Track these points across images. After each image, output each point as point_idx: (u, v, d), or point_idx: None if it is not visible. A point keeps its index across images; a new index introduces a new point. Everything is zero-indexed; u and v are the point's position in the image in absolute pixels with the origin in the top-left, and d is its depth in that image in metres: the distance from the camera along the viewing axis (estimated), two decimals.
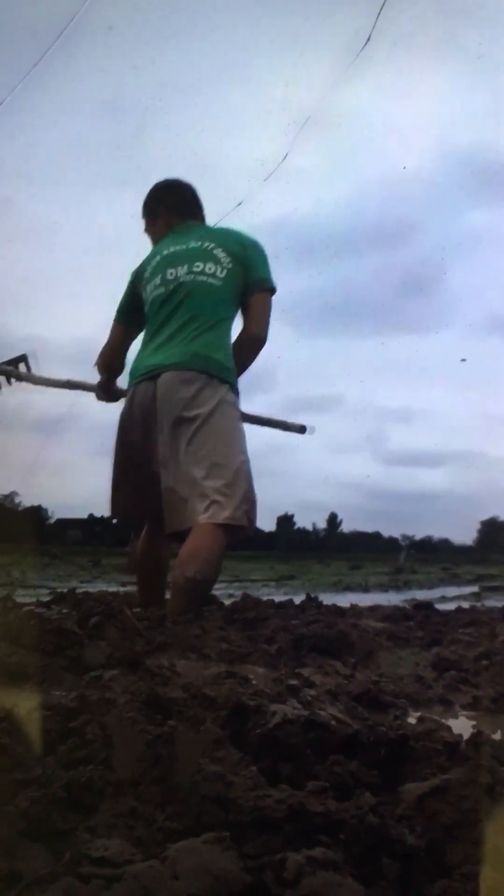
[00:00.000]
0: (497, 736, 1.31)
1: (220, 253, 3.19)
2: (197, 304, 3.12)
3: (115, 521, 3.45)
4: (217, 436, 2.95)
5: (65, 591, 3.26)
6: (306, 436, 3.59)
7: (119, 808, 0.82)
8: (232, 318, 3.20)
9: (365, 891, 0.66)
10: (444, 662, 2.11)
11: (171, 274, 3.20)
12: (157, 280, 3.24)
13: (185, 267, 3.18)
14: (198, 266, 3.17)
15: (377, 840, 0.75)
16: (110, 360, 3.47)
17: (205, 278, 3.15)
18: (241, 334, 3.19)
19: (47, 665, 1.75)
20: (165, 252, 3.29)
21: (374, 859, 0.74)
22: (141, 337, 3.35)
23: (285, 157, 3.65)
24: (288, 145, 3.58)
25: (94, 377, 3.59)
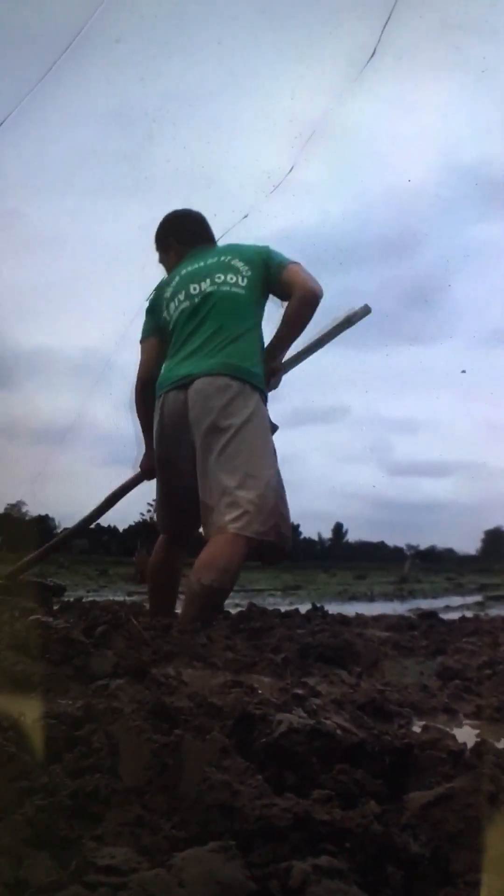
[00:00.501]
0: (501, 744, 1.30)
1: (237, 263, 3.24)
2: (224, 313, 3.15)
3: (163, 533, 3.41)
4: (250, 447, 2.96)
5: (71, 600, 3.26)
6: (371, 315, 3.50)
7: (125, 816, 0.82)
8: (260, 325, 3.23)
9: None
10: (448, 671, 2.11)
11: (195, 288, 3.22)
12: (181, 296, 3.26)
13: (208, 280, 3.22)
14: (219, 277, 3.21)
15: (382, 848, 0.75)
16: (147, 375, 3.40)
17: (228, 288, 3.18)
18: (291, 301, 3.18)
19: (54, 674, 1.75)
20: (184, 272, 3.33)
21: (379, 867, 0.73)
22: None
23: (291, 170, 3.67)
24: (294, 158, 3.60)
25: (96, 390, 3.63)
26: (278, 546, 2.98)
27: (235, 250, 3.32)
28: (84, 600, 3.34)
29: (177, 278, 3.33)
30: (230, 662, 2.14)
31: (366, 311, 3.48)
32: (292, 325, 3.20)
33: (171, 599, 3.43)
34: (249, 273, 3.21)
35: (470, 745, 1.09)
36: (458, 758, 1.03)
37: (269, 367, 3.21)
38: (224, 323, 3.13)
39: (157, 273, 3.58)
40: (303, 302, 3.15)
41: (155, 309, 3.40)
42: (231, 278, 3.20)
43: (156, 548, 3.39)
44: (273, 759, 0.98)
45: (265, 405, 3.12)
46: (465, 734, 1.51)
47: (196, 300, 3.20)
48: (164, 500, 3.31)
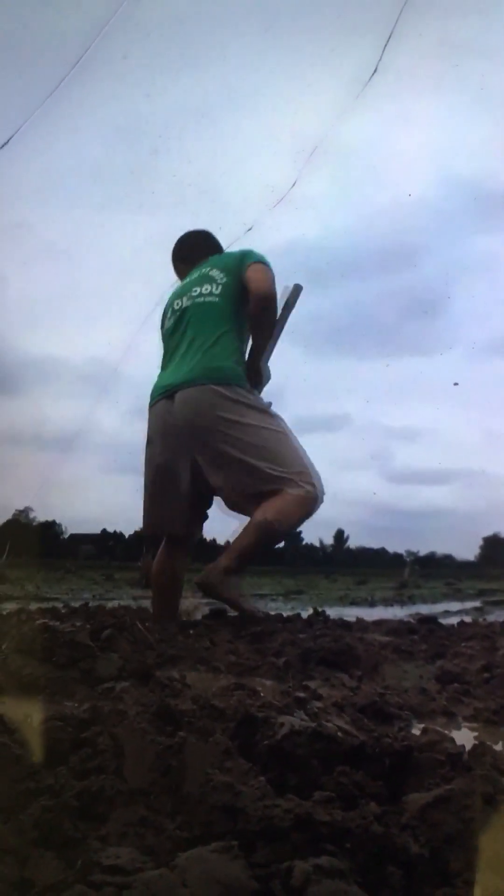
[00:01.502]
0: (498, 747, 1.30)
1: (215, 273, 3.38)
2: (199, 323, 3.30)
3: (147, 535, 3.52)
4: (260, 430, 3.10)
5: (78, 604, 3.26)
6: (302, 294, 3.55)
7: (130, 817, 0.82)
8: (237, 327, 3.32)
9: None
10: (447, 675, 2.10)
11: (178, 304, 3.42)
12: (170, 312, 3.46)
13: (187, 296, 3.39)
14: (196, 290, 3.37)
15: (382, 849, 0.75)
16: None
17: (202, 299, 3.33)
18: (251, 301, 3.26)
19: (60, 677, 1.75)
20: (176, 290, 3.53)
21: (379, 867, 0.73)
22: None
23: (294, 185, 3.68)
24: (297, 173, 3.62)
25: (102, 398, 3.73)
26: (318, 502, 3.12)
27: (218, 260, 3.47)
28: (90, 604, 3.34)
29: (170, 297, 3.54)
30: (233, 666, 2.14)
31: (297, 289, 3.54)
32: (253, 327, 3.32)
33: (174, 605, 3.44)
34: (224, 279, 3.34)
35: (468, 747, 1.08)
36: (456, 760, 1.03)
37: (251, 372, 3.31)
38: (199, 331, 3.28)
39: (163, 284, 3.66)
40: (254, 302, 3.25)
41: (162, 331, 3.57)
42: (206, 289, 3.35)
43: (158, 553, 3.42)
44: (275, 760, 0.98)
45: (250, 389, 3.24)
46: (464, 737, 1.50)
47: (177, 315, 3.39)
48: (155, 501, 3.38)
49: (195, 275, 3.45)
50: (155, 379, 3.42)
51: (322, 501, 3.12)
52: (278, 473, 3.02)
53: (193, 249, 3.67)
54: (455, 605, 7.38)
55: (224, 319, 3.29)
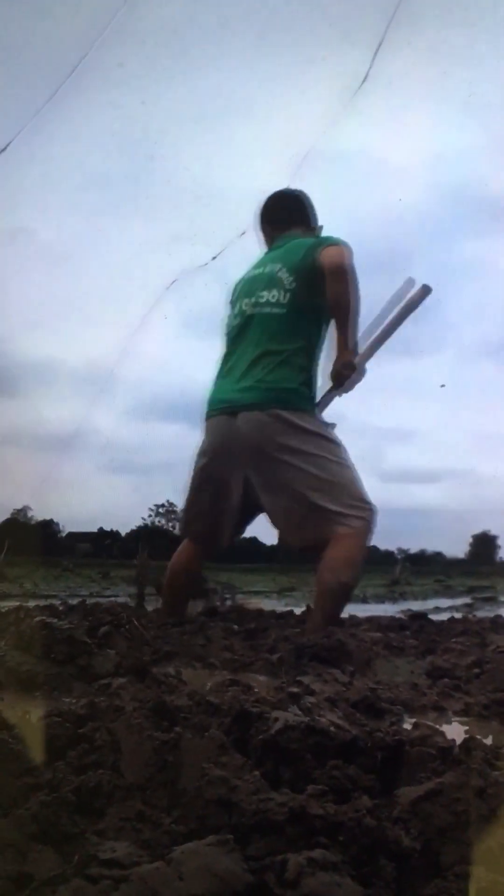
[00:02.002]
0: (488, 741, 1.30)
1: (283, 274, 3.11)
2: (265, 336, 3.06)
3: (182, 537, 3.35)
4: (321, 460, 2.95)
5: (75, 602, 3.25)
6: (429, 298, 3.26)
7: (127, 811, 0.82)
8: (311, 341, 3.11)
9: (363, 891, 0.66)
10: (437, 671, 2.10)
11: (245, 304, 3.17)
12: (236, 309, 3.23)
13: (253, 298, 3.14)
14: (262, 296, 3.11)
15: (374, 841, 0.75)
16: None
17: (269, 309, 3.09)
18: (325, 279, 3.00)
19: (58, 673, 1.75)
20: (248, 276, 3.29)
21: (372, 860, 0.73)
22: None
23: None
24: (289, 178, 3.60)
25: (99, 400, 3.64)
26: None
27: (287, 255, 3.16)
28: (87, 602, 3.33)
29: (242, 282, 3.30)
30: (228, 662, 2.14)
31: (425, 290, 3.26)
32: (333, 307, 3.02)
33: (185, 604, 3.42)
34: (293, 285, 3.07)
35: (459, 741, 1.08)
36: (447, 754, 1.03)
37: (340, 362, 3.09)
38: (265, 347, 3.05)
39: (159, 288, 3.58)
40: (330, 279, 2.97)
41: (230, 305, 3.35)
42: (273, 296, 3.09)
43: (178, 551, 3.32)
44: (269, 755, 0.98)
45: (315, 415, 3.07)
46: (454, 731, 1.51)
47: (241, 319, 3.16)
48: (200, 510, 3.24)
49: (262, 270, 3.20)
50: (212, 385, 3.24)
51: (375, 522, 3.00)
52: (331, 506, 2.89)
53: (282, 214, 3.38)
54: (445, 602, 7.38)
55: (292, 334, 3.07)
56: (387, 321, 3.29)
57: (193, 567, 3.36)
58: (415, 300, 3.29)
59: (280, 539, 3.13)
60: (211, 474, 3.17)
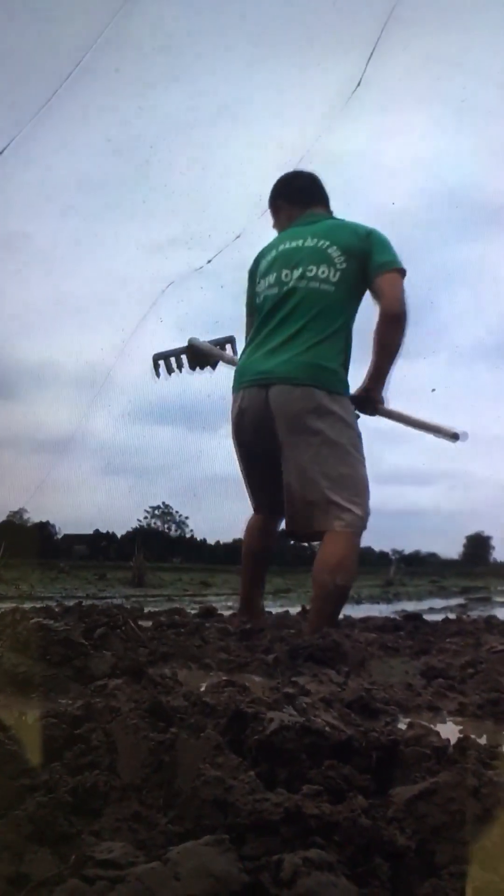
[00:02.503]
0: (482, 740, 1.30)
1: (334, 252, 3.01)
2: (310, 312, 2.97)
3: (257, 513, 3.25)
4: (341, 449, 2.92)
5: (71, 603, 3.24)
6: (459, 443, 3.10)
7: (123, 811, 0.81)
8: (349, 323, 3.04)
9: (358, 890, 0.65)
10: (432, 671, 2.10)
11: (286, 275, 3.05)
12: (272, 278, 3.10)
13: (300, 270, 3.02)
14: (311, 270, 3.00)
15: (369, 841, 0.75)
16: None
17: (317, 284, 2.99)
18: (378, 316, 2.96)
19: (54, 675, 1.74)
20: (282, 247, 3.14)
21: (367, 860, 0.73)
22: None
23: None
24: None
25: (96, 402, 3.62)
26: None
27: (336, 234, 3.06)
28: (83, 603, 3.32)
29: (273, 252, 3.16)
30: (223, 663, 2.13)
31: (453, 437, 3.08)
32: (378, 346, 2.99)
33: (262, 574, 3.38)
34: (344, 265, 2.98)
35: (453, 741, 1.09)
36: (441, 753, 1.03)
37: (366, 394, 3.06)
38: (309, 323, 2.95)
39: (155, 291, 3.57)
40: (383, 320, 2.94)
41: (251, 278, 3.26)
42: (322, 272, 2.99)
43: (251, 526, 3.27)
44: (265, 755, 0.98)
45: (347, 399, 3.00)
46: (449, 731, 1.51)
47: (284, 290, 3.03)
48: (255, 483, 3.21)
49: (309, 242, 3.06)
50: (244, 355, 3.17)
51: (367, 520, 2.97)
52: (334, 497, 2.85)
53: (302, 192, 3.30)
54: (439, 603, 7.40)
55: (338, 314, 2.97)
56: (415, 419, 3.16)
57: (270, 534, 3.28)
58: (441, 432, 3.13)
59: (286, 524, 3.09)
60: (251, 450, 3.12)
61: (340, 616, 3.16)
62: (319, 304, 2.96)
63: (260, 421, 2.99)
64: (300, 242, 3.09)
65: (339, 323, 2.98)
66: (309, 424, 2.89)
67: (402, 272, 2.99)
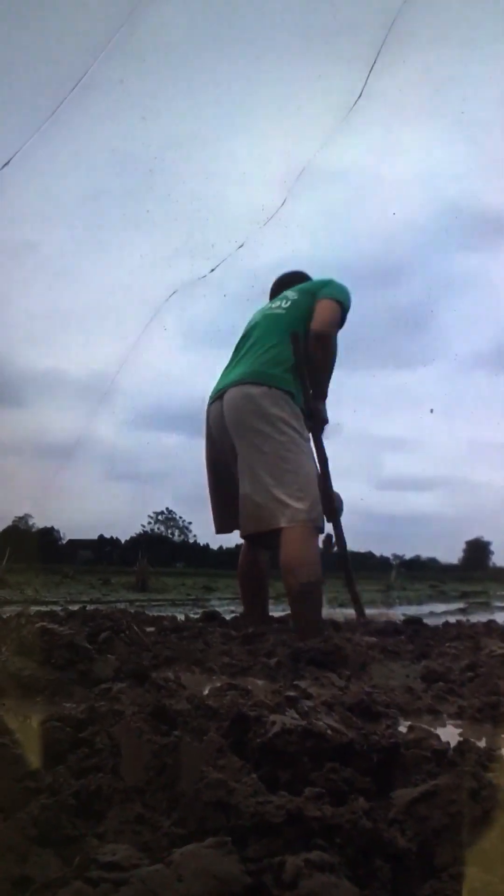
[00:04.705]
0: (482, 743, 1.30)
1: (289, 293, 3.39)
2: (262, 332, 3.28)
3: (217, 533, 3.42)
4: (283, 447, 2.99)
5: (76, 608, 3.24)
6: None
7: (126, 814, 0.81)
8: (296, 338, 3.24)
9: (359, 892, 0.65)
10: (432, 674, 2.10)
11: (252, 319, 3.46)
12: (248, 324, 3.48)
13: (261, 313, 3.42)
14: (269, 307, 3.40)
15: (370, 843, 0.74)
16: None
17: (270, 311, 3.34)
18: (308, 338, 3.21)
19: (59, 678, 1.74)
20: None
21: (368, 861, 0.73)
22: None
23: (283, 203, 3.69)
24: (286, 193, 3.62)
25: (100, 409, 3.68)
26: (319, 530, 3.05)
27: (297, 286, 3.46)
28: (87, 608, 3.32)
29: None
30: (226, 667, 2.13)
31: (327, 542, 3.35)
32: (312, 360, 3.21)
33: (263, 598, 3.43)
34: (295, 297, 3.33)
35: (453, 744, 1.08)
36: (441, 756, 1.02)
37: (309, 409, 3.23)
38: (259, 339, 3.25)
39: (159, 300, 3.61)
40: (310, 338, 3.18)
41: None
42: (277, 304, 3.35)
43: (241, 553, 3.37)
44: (267, 758, 0.97)
45: (291, 401, 3.11)
46: (449, 734, 1.50)
47: (248, 327, 3.42)
48: (218, 502, 3.35)
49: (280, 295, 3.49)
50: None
51: (323, 527, 3.03)
52: (277, 493, 2.91)
53: (282, 287, 3.63)
54: (440, 607, 7.38)
55: (285, 330, 3.23)
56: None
57: (259, 562, 3.36)
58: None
59: (241, 529, 3.12)
60: (214, 464, 3.30)
61: (342, 620, 3.16)
62: (271, 325, 3.29)
63: (221, 434, 3.20)
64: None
65: (285, 336, 3.22)
66: (252, 425, 3.03)
67: (340, 304, 3.25)
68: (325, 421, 3.33)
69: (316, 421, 3.27)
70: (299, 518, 2.88)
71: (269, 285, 3.77)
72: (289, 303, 3.30)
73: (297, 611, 2.89)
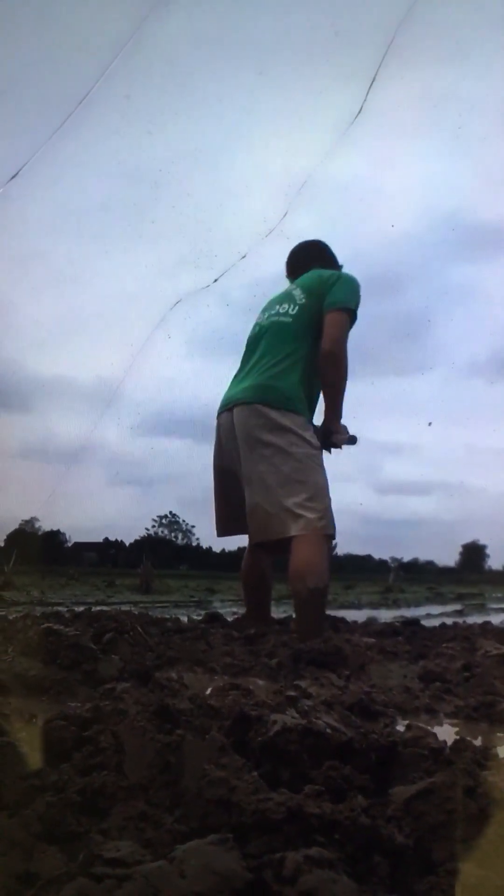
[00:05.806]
0: (478, 742, 1.29)
1: (297, 292, 3.26)
2: (270, 341, 3.20)
3: (219, 536, 3.38)
4: (295, 458, 2.96)
5: (81, 609, 3.24)
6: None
7: (130, 811, 0.81)
8: (306, 351, 3.15)
9: (358, 887, 0.65)
10: (429, 674, 2.09)
11: (261, 317, 3.35)
12: (255, 328, 3.37)
13: (268, 313, 3.31)
14: (275, 308, 3.28)
15: (369, 839, 0.74)
16: None
17: (277, 318, 3.23)
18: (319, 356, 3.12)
19: (64, 678, 1.74)
20: (269, 299, 3.45)
21: (367, 857, 0.72)
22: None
23: (285, 215, 3.69)
24: (287, 206, 3.62)
25: (106, 414, 3.64)
26: (332, 539, 3.02)
27: (306, 279, 3.31)
28: (92, 609, 3.32)
29: (265, 304, 3.45)
30: (228, 667, 2.12)
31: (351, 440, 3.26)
32: (324, 384, 3.14)
33: (266, 603, 3.41)
34: (303, 300, 3.20)
35: (450, 742, 1.08)
36: (438, 754, 1.02)
37: (325, 428, 3.19)
38: (267, 350, 3.18)
39: (163, 308, 3.61)
40: (321, 357, 3.09)
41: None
42: (283, 308, 3.23)
43: (245, 556, 3.34)
44: (268, 756, 0.97)
45: (301, 415, 3.07)
46: (446, 732, 1.50)
47: (255, 330, 3.32)
48: (221, 505, 3.33)
49: (282, 292, 3.38)
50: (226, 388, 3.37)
51: (335, 534, 2.99)
52: (287, 502, 2.88)
53: (297, 263, 3.55)
54: (437, 609, 7.36)
55: (293, 342, 3.14)
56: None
57: (263, 565, 3.33)
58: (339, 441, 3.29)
59: (250, 537, 3.10)
60: (222, 471, 3.25)
61: (342, 620, 3.15)
62: (277, 334, 3.19)
63: (230, 443, 3.15)
64: (282, 292, 3.39)
65: (293, 348, 3.14)
66: (261, 437, 3.00)
67: (348, 311, 3.14)
68: (345, 441, 3.22)
69: (329, 444, 3.20)
70: (311, 526, 2.86)
71: (271, 296, 3.59)
72: (296, 308, 3.18)
73: (302, 615, 2.88)
